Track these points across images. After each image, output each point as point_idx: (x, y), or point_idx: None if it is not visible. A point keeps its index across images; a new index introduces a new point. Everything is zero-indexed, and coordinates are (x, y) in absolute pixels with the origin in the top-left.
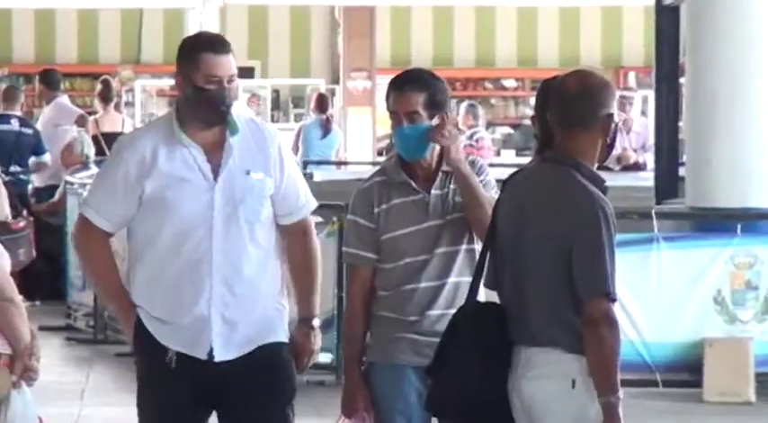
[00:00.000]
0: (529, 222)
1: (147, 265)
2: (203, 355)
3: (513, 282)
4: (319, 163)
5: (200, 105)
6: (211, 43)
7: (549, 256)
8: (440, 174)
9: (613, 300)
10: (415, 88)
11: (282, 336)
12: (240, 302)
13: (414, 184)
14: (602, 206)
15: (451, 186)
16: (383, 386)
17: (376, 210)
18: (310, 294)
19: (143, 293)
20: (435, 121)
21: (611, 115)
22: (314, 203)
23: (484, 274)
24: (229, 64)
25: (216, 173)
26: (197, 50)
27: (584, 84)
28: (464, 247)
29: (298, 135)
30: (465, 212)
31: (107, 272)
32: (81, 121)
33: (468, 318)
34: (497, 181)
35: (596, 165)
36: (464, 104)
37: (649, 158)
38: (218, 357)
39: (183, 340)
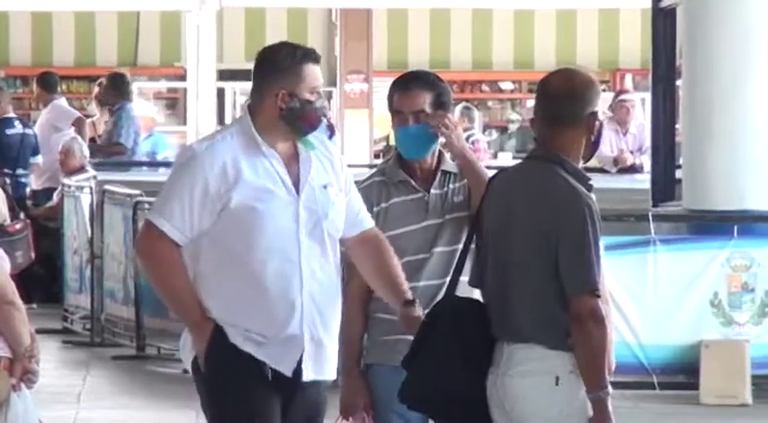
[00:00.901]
0: (514, 219)
1: (234, 280)
2: (289, 373)
3: (497, 278)
4: None
5: (306, 118)
6: (313, 54)
7: (535, 253)
8: (439, 173)
9: (598, 296)
10: (422, 87)
11: (335, 374)
12: (326, 321)
13: (413, 183)
14: (587, 203)
15: (451, 186)
16: (382, 388)
17: (375, 209)
18: (401, 278)
19: (229, 309)
20: (436, 115)
21: (595, 113)
22: (371, 222)
23: (466, 270)
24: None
25: (296, 186)
26: (302, 62)
27: (569, 82)
28: (462, 246)
29: None
30: (472, 201)
31: (181, 283)
32: (78, 124)
33: (447, 311)
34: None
35: (581, 162)
36: (459, 107)
37: (646, 161)
38: (306, 377)
39: (275, 357)
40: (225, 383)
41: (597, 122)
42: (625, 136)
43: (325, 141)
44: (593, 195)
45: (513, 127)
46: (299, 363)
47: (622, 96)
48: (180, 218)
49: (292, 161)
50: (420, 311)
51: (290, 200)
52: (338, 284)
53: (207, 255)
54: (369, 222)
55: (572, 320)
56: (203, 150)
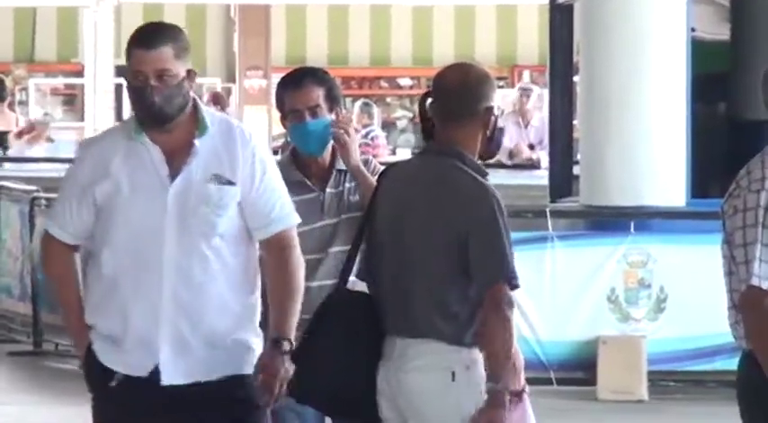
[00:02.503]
0: (413, 215)
1: (94, 280)
2: (143, 375)
3: (392, 273)
4: None
5: (132, 104)
6: (139, 38)
7: (439, 247)
8: (334, 172)
9: (515, 286)
10: (315, 83)
11: (250, 369)
12: (196, 322)
13: (308, 183)
14: (494, 195)
15: (347, 185)
16: None
17: None
18: (285, 314)
19: (90, 312)
20: (332, 116)
21: (490, 108)
22: (295, 218)
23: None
24: (156, 58)
25: (174, 177)
26: (130, 45)
27: (464, 77)
28: (353, 242)
29: None
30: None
31: (65, 289)
32: None
33: (337, 305)
34: None
35: (477, 158)
36: (358, 103)
37: (544, 155)
38: (165, 380)
39: (128, 361)
40: (92, 396)
41: (493, 117)
42: (527, 128)
43: (234, 128)
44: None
45: (401, 124)
46: (157, 367)
47: (521, 85)
48: (62, 216)
49: (182, 151)
50: (284, 353)
51: (159, 193)
52: (238, 287)
53: (85, 254)
54: (278, 225)
55: (488, 310)
56: (84, 145)
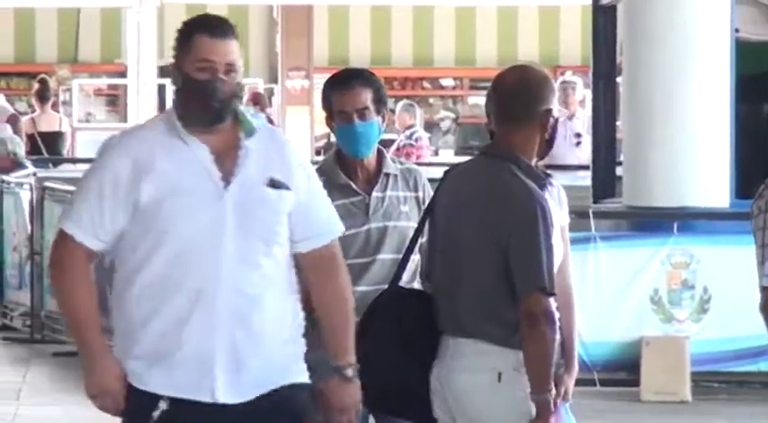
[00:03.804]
0: (465, 215)
1: (137, 292)
2: (200, 397)
3: (446, 273)
4: None
5: (187, 98)
6: (209, 24)
7: (486, 250)
8: (381, 175)
9: (551, 294)
10: (363, 84)
11: (302, 376)
12: (252, 339)
13: (354, 186)
14: (539, 202)
15: (394, 193)
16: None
17: None
18: (344, 337)
19: (133, 327)
20: (380, 119)
21: (549, 110)
22: (340, 228)
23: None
24: (229, 49)
25: (227, 181)
26: (192, 32)
27: (524, 79)
28: (408, 244)
29: None
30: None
31: (80, 300)
32: (12, 120)
33: (387, 303)
34: (432, 180)
35: (535, 160)
36: (401, 104)
37: (579, 152)
38: (222, 398)
39: (179, 382)
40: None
41: (551, 120)
42: (571, 120)
43: (276, 131)
44: (547, 194)
45: (444, 124)
46: (213, 385)
47: (564, 78)
48: (89, 219)
49: (229, 152)
50: (349, 381)
51: (216, 196)
52: (275, 300)
53: (120, 262)
54: (326, 237)
55: (523, 319)
56: (117, 141)
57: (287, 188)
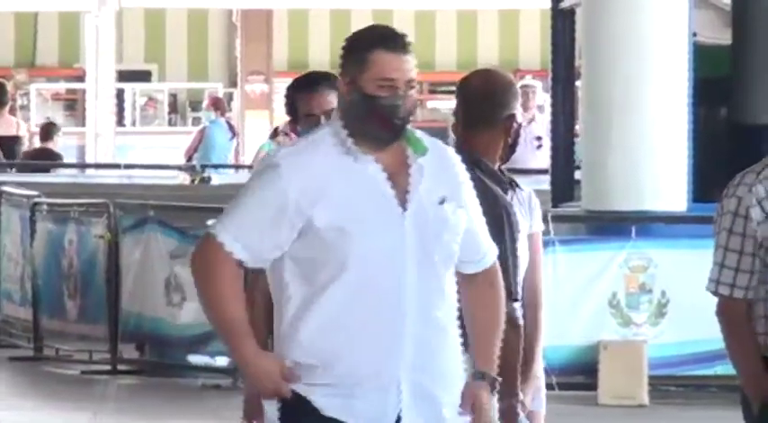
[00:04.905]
0: None
1: (316, 317)
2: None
3: None
4: (216, 166)
5: (369, 117)
6: (390, 39)
7: None
8: None
9: (515, 299)
10: (329, 87)
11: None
12: (437, 370)
13: None
14: (504, 206)
15: None
16: None
17: None
18: (491, 352)
19: (309, 354)
20: None
21: (512, 116)
22: (495, 251)
23: None
24: (410, 65)
25: (404, 200)
26: (371, 46)
27: (488, 83)
28: None
29: (199, 137)
30: None
31: (235, 312)
32: None
33: None
34: None
35: (498, 164)
36: None
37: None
38: None
39: (364, 412)
40: None
41: (515, 125)
42: (529, 124)
43: (446, 148)
44: (516, 199)
45: None
46: (398, 419)
47: (523, 82)
48: (249, 236)
49: (401, 170)
50: (494, 387)
51: (395, 218)
52: (454, 324)
53: (289, 283)
54: (490, 259)
55: None
56: (284, 158)
57: (460, 206)
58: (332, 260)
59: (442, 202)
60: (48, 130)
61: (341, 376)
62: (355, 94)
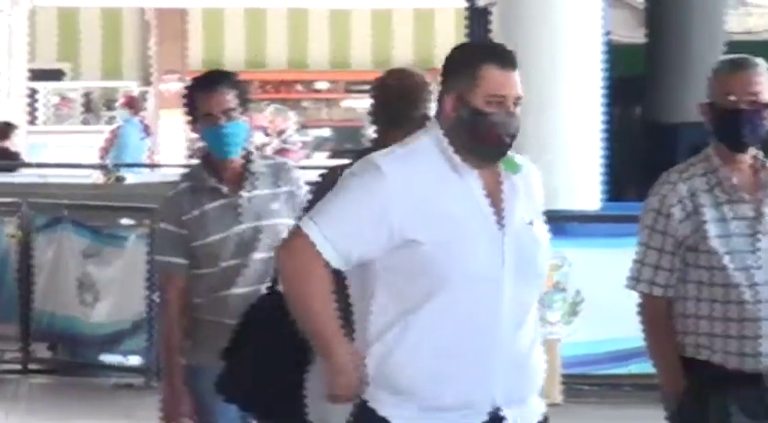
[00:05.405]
0: None
1: (410, 337)
2: None
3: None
4: (130, 165)
5: (479, 134)
6: (496, 53)
7: None
8: (246, 175)
9: None
10: (228, 86)
11: None
12: (525, 394)
13: (223, 189)
14: None
15: (265, 191)
16: (206, 390)
17: (186, 217)
18: None
19: (404, 371)
20: (245, 119)
21: (426, 116)
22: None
23: None
24: (517, 81)
25: (500, 217)
26: (480, 60)
27: (403, 83)
28: None
29: (113, 137)
30: None
31: (329, 315)
32: None
33: (270, 303)
34: (307, 183)
35: None
36: (270, 107)
37: None
38: None
39: None
40: None
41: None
42: None
43: (529, 163)
44: None
45: (318, 127)
46: None
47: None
48: (342, 238)
49: (495, 188)
50: None
51: (494, 237)
52: (539, 348)
53: (376, 292)
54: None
55: None
56: (387, 165)
57: (543, 227)
58: (430, 275)
59: (531, 223)
60: (5, 131)
61: (427, 400)
62: (463, 110)
